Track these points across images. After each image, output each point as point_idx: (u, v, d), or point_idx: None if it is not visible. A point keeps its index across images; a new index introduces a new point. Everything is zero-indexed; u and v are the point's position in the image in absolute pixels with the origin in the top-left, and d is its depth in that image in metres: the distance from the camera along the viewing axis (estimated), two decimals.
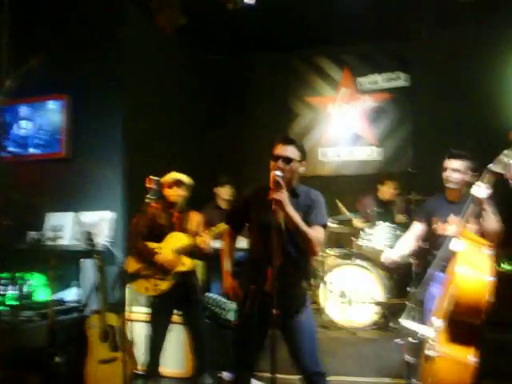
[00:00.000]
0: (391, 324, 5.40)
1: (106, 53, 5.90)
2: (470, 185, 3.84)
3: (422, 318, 3.87)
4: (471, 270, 3.42)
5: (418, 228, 4.21)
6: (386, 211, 6.22)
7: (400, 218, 6.31)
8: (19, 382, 3.61)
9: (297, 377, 3.54)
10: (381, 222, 5.86)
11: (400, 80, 7.76)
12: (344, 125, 8.01)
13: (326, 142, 8.09)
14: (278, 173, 3.17)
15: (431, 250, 4.09)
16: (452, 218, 3.98)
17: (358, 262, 5.80)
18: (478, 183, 3.55)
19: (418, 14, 6.44)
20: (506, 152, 3.41)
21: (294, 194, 3.39)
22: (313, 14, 6.77)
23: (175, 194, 4.70)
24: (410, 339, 3.94)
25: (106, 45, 5.87)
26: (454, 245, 3.60)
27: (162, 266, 4.54)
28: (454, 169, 3.97)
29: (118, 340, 4.58)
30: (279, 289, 3.02)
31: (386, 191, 6.41)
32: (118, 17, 6.00)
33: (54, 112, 6.21)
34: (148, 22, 6.17)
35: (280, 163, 3.31)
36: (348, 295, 5.65)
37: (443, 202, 4.12)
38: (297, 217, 3.19)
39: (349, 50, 8.02)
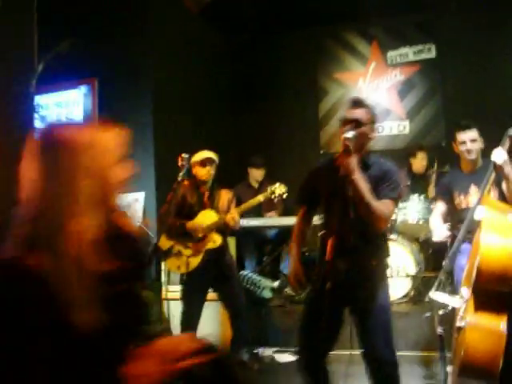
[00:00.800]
0: (425, 298, 5.37)
1: (133, 34, 5.95)
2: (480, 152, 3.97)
3: (453, 290, 3.87)
4: (496, 237, 3.33)
5: (442, 208, 4.22)
6: (418, 184, 6.15)
7: (433, 191, 6.23)
8: None
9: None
10: (414, 195, 5.80)
11: (430, 52, 7.63)
12: (373, 100, 7.91)
13: None
14: (349, 134, 2.86)
15: (457, 223, 4.07)
16: (473, 189, 3.98)
17: (391, 236, 5.76)
18: (497, 149, 3.54)
19: None
20: None
21: (364, 164, 3.05)
22: None
23: (206, 173, 4.72)
24: (440, 311, 3.94)
25: (132, 28, 5.93)
26: (477, 213, 3.56)
27: (193, 236, 4.58)
28: (473, 139, 3.97)
29: (155, 317, 4.66)
30: (347, 264, 2.94)
31: (419, 163, 6.34)
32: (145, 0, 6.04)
33: (84, 96, 6.31)
34: (174, 3, 6.19)
35: (350, 126, 2.97)
36: None
37: (461, 176, 4.15)
38: (364, 185, 2.87)
39: (376, 23, 7.92)
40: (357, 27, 8.03)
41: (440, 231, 4.11)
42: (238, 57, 8.03)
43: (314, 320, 2.90)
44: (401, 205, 5.82)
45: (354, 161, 2.84)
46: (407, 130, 7.79)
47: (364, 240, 3.05)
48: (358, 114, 3.02)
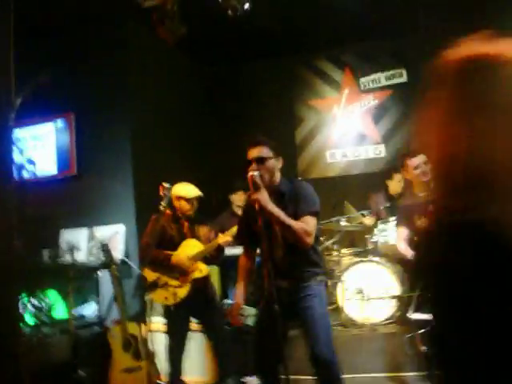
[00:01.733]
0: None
1: (111, 67, 5.98)
2: None
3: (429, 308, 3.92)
4: None
5: (404, 233, 4.41)
6: (395, 206, 6.20)
7: None
8: None
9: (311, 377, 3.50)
10: (393, 217, 5.85)
11: (402, 77, 7.78)
12: (349, 125, 8.04)
13: (332, 144, 8.11)
14: (255, 173, 3.23)
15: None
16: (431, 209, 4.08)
17: (374, 258, 5.79)
18: None
19: (413, 9, 6.48)
20: None
21: (278, 191, 3.44)
22: (309, 17, 6.81)
23: (190, 208, 4.70)
24: (420, 331, 4.00)
25: (110, 60, 5.95)
26: None
27: (179, 268, 4.55)
28: (424, 162, 4.16)
29: (140, 349, 4.60)
30: (286, 284, 3.31)
31: (395, 185, 6.41)
32: (121, 31, 6.07)
33: (61, 130, 6.29)
34: (150, 36, 6.24)
35: (254, 165, 3.34)
36: (365, 292, 5.64)
37: (415, 200, 4.33)
38: (279, 212, 3.23)
39: (348, 49, 8.07)
40: (329, 54, 8.16)
41: (405, 251, 4.29)
42: (213, 86, 8.10)
43: (266, 338, 3.28)
44: (381, 226, 5.88)
45: (263, 195, 3.19)
46: (383, 154, 7.90)
47: (295, 259, 3.40)
48: (259, 151, 3.38)
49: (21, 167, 6.23)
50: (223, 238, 4.54)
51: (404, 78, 7.80)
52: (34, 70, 4.62)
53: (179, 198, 4.66)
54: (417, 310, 4.06)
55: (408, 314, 4.19)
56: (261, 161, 3.35)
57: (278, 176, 3.48)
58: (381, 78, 7.92)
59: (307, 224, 3.29)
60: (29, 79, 4.43)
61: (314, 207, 3.39)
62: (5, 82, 4.17)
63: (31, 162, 6.32)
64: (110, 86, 6.01)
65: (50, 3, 5.60)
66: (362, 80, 8.00)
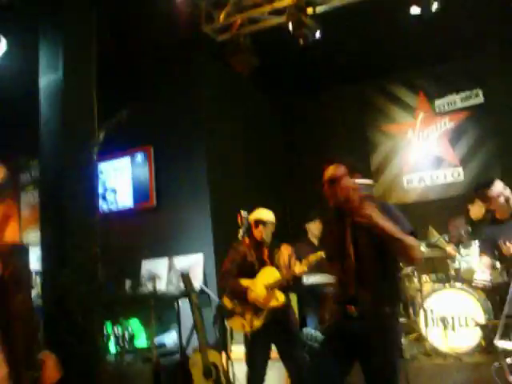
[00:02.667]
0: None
1: (187, 101, 6.17)
2: None
3: None
4: None
5: (487, 259, 4.38)
6: (478, 231, 6.00)
7: None
8: None
9: None
10: (475, 241, 5.66)
11: (478, 97, 7.60)
12: (425, 149, 7.89)
13: (409, 168, 7.98)
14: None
15: (509, 270, 4.10)
16: None
17: (457, 284, 5.60)
18: None
19: (485, 29, 6.35)
20: None
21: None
22: (380, 43, 6.80)
23: (257, 233, 4.69)
24: (508, 360, 3.82)
25: (185, 94, 6.15)
26: None
27: (255, 303, 4.55)
28: (504, 187, 4.25)
29: (221, 377, 4.61)
30: (358, 315, 3.01)
31: (477, 210, 6.20)
32: (196, 66, 6.27)
33: (140, 163, 6.51)
34: (223, 68, 6.40)
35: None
36: (449, 320, 5.45)
37: (499, 226, 4.34)
38: (390, 225, 2.94)
39: (421, 73, 7.97)
40: (401, 78, 8.10)
41: (479, 277, 4.17)
42: (288, 115, 8.17)
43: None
44: (463, 251, 5.70)
45: (374, 209, 2.96)
46: (462, 177, 7.69)
47: (375, 290, 3.06)
48: (330, 173, 3.21)
49: (104, 198, 6.48)
50: (300, 268, 4.50)
51: (480, 99, 7.62)
52: (115, 108, 4.81)
53: (257, 221, 4.68)
54: (503, 338, 3.88)
55: (495, 342, 4.01)
56: (332, 181, 3.20)
57: (356, 197, 3.24)
58: (456, 100, 7.77)
59: (412, 239, 3.03)
60: (110, 116, 4.62)
61: (410, 227, 3.12)
62: (89, 120, 4.42)
63: (114, 191, 6.56)
64: (187, 119, 6.20)
65: (127, 43, 5.87)
66: (437, 103, 7.87)
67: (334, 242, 3.26)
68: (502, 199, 4.17)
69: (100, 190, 6.44)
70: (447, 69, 7.82)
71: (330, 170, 3.25)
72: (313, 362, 3.43)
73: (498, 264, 4.39)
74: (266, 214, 4.72)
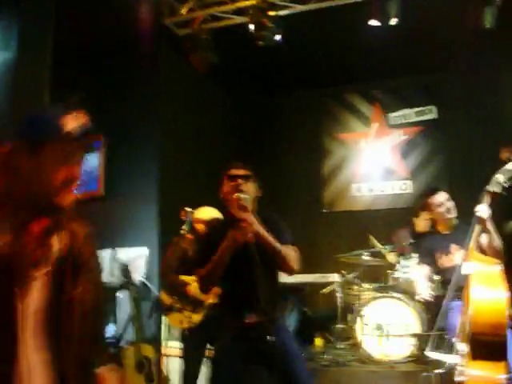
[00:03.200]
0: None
1: (142, 92, 6.12)
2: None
3: (448, 348, 3.86)
4: (486, 289, 3.44)
5: (426, 270, 4.31)
6: (420, 243, 6.13)
7: None
8: None
9: None
10: (417, 254, 5.77)
11: (432, 113, 7.78)
12: (376, 160, 8.03)
13: (358, 177, 8.11)
14: (242, 195, 2.97)
15: (444, 283, 4.17)
16: (453, 247, 4.14)
17: (395, 294, 5.72)
18: (480, 205, 3.71)
19: (445, 46, 6.50)
20: (498, 173, 3.65)
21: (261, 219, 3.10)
22: (340, 52, 6.89)
23: (203, 231, 4.72)
24: (437, 370, 3.92)
25: (141, 85, 6.09)
26: (465, 269, 3.66)
27: (194, 297, 4.56)
28: (447, 198, 4.19)
29: (153, 371, 4.60)
30: (260, 319, 2.95)
31: (422, 223, 6.32)
32: (154, 58, 6.21)
33: (91, 151, 6.42)
34: (181, 63, 6.37)
35: (240, 181, 3.10)
36: (385, 328, 5.56)
37: (438, 238, 4.32)
38: (267, 235, 2.94)
39: (379, 85, 8.12)
40: (359, 89, 8.23)
41: (422, 289, 4.22)
42: (242, 115, 8.18)
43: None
44: (404, 263, 5.82)
45: (251, 215, 2.91)
46: (410, 189, 7.85)
47: (272, 294, 3.04)
48: (242, 171, 3.18)
49: None
50: None
51: (434, 115, 7.79)
52: (68, 94, 4.73)
53: (198, 220, 4.69)
54: (434, 349, 3.99)
55: (425, 352, 4.12)
56: (246, 178, 3.14)
57: (255, 205, 3.17)
58: (411, 114, 7.93)
59: (293, 250, 3.06)
60: (62, 102, 4.54)
61: (291, 237, 3.15)
62: (40, 104, 4.34)
63: None
64: (140, 110, 6.14)
65: (85, 31, 5.78)
66: (392, 115, 8.01)
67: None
68: (442, 209, 4.18)
69: None
70: (404, 83, 8.00)
71: (241, 169, 3.20)
72: None
73: (434, 276, 4.48)
74: (208, 214, 4.71)
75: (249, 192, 3.07)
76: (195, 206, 4.79)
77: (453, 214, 4.20)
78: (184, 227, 4.43)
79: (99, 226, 5.83)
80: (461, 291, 3.80)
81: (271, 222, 3.12)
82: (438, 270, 4.34)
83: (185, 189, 6.22)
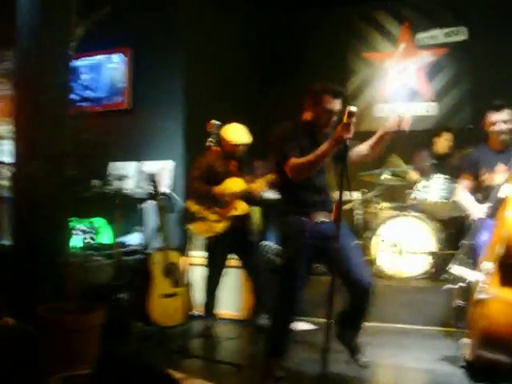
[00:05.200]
0: (443, 275, 5.43)
1: (167, 7, 6.07)
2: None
3: (471, 266, 3.97)
4: None
5: (467, 183, 4.30)
6: (442, 164, 6.17)
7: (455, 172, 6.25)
8: (89, 312, 3.88)
9: None
10: (436, 175, 5.84)
11: (460, 34, 7.61)
12: (401, 80, 7.95)
13: (382, 97, 8.06)
14: (354, 109, 3.14)
15: (481, 200, 4.16)
16: (500, 166, 4.07)
17: (413, 213, 5.84)
18: None
19: None
20: None
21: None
22: None
23: (237, 151, 4.81)
24: (460, 284, 4.05)
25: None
26: (504, 190, 3.67)
27: (220, 201, 4.71)
28: (504, 120, 4.07)
29: (179, 276, 4.84)
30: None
31: (442, 144, 6.35)
32: None
33: (117, 64, 6.47)
34: None
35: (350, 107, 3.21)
36: (401, 246, 5.71)
37: (489, 153, 4.22)
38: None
39: (408, 4, 7.90)
40: (388, 7, 8.02)
41: (478, 208, 4.17)
42: (269, 31, 8.06)
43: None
44: (424, 183, 5.88)
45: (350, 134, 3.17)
46: (434, 112, 7.81)
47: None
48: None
49: (78, 95, 6.45)
50: (258, 184, 4.65)
51: (463, 37, 7.62)
52: (96, 6, 4.74)
53: (227, 139, 4.77)
54: (459, 265, 4.09)
55: (450, 267, 4.22)
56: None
57: None
58: (439, 35, 7.77)
59: None
60: (90, 13, 4.56)
61: None
62: (68, 15, 4.37)
63: (89, 89, 6.53)
64: (168, 23, 6.11)
65: None
66: (420, 35, 7.85)
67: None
68: (496, 127, 4.09)
69: (75, 87, 6.40)
70: (435, 2, 7.78)
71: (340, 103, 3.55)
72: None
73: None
74: (237, 136, 4.79)
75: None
76: (221, 120, 4.86)
77: (503, 137, 4.09)
78: (211, 139, 4.52)
79: (125, 138, 6.01)
80: (496, 211, 3.82)
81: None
82: (477, 186, 4.32)
83: (211, 103, 6.25)
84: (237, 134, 4.79)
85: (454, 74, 7.72)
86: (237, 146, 4.77)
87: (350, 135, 3.14)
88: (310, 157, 3.34)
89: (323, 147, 3.28)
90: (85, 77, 6.65)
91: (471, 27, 7.55)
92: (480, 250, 3.97)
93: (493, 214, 3.86)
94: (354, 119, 3.13)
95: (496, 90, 6.84)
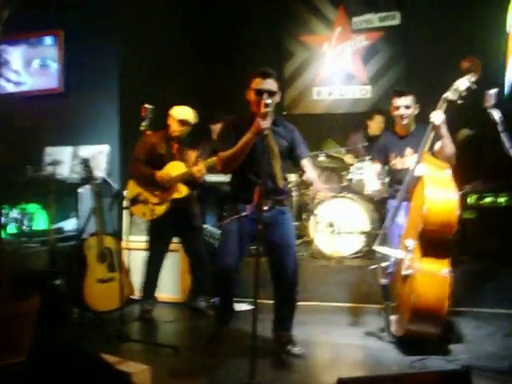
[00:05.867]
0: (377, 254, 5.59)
1: None
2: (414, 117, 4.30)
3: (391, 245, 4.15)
4: (439, 190, 3.73)
5: (377, 167, 4.49)
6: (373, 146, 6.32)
7: None
8: (22, 299, 3.84)
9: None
10: (369, 156, 5.97)
11: (395, 19, 7.78)
12: (338, 64, 8.08)
13: (319, 81, 8.16)
14: (268, 101, 3.44)
15: (393, 184, 4.36)
16: (408, 150, 4.30)
17: (347, 194, 5.98)
18: (435, 111, 3.90)
19: None
20: (457, 82, 3.87)
21: (276, 124, 3.73)
22: None
23: (181, 131, 4.83)
24: (382, 264, 4.24)
25: None
26: (418, 170, 3.87)
27: (161, 185, 4.72)
28: (406, 105, 4.25)
29: (115, 261, 4.82)
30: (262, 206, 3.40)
31: (375, 126, 6.53)
32: None
33: (50, 47, 6.31)
34: None
35: (265, 96, 3.53)
36: (336, 226, 5.85)
37: (395, 139, 4.43)
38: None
39: None
40: None
41: (372, 184, 4.41)
42: (207, 13, 7.99)
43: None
44: (358, 165, 6.03)
45: (268, 125, 3.45)
46: (369, 95, 7.98)
47: (275, 186, 3.74)
48: (271, 84, 3.64)
49: (8, 80, 6.28)
50: (198, 168, 4.69)
51: (397, 21, 7.80)
52: None
53: (173, 118, 4.81)
54: (381, 245, 4.27)
55: (373, 247, 4.41)
56: (271, 94, 3.58)
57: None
58: (374, 19, 7.91)
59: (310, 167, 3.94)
60: None
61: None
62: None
63: (19, 73, 6.37)
64: (103, 4, 5.99)
65: None
66: (355, 20, 7.98)
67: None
68: (398, 112, 4.25)
69: (4, 72, 6.25)
70: None
71: (271, 82, 3.63)
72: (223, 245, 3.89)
73: (385, 178, 4.63)
74: (181, 113, 4.82)
75: (272, 104, 3.52)
76: (157, 104, 4.84)
77: (404, 122, 4.26)
78: (144, 124, 4.51)
79: (59, 122, 5.92)
80: (409, 193, 4.04)
81: (291, 133, 3.85)
82: (388, 170, 4.53)
83: (146, 86, 6.18)
84: (182, 111, 4.83)
85: (389, 58, 7.91)
86: (183, 123, 4.79)
87: (267, 125, 3.41)
88: (233, 150, 3.62)
89: (244, 138, 3.55)
90: (16, 60, 6.46)
91: (405, 12, 7.73)
92: (398, 229, 4.16)
93: (406, 196, 4.06)
94: (269, 109, 3.42)
95: (429, 73, 7.05)
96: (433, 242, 3.70)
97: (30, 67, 6.43)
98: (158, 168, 4.78)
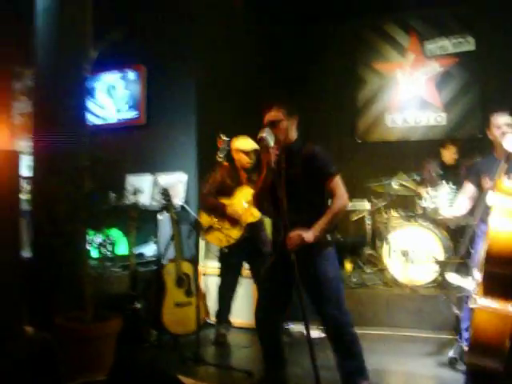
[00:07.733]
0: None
1: (180, 24, 6.26)
2: None
3: (466, 274, 3.96)
4: (504, 221, 3.48)
5: (468, 188, 4.26)
6: (449, 174, 6.26)
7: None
8: (105, 321, 4.04)
9: None
10: (444, 184, 5.92)
11: (468, 44, 7.71)
12: (411, 90, 8.06)
13: (393, 108, 8.17)
14: (263, 135, 3.31)
15: (487, 208, 4.19)
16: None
17: (422, 222, 5.93)
18: (510, 136, 3.68)
19: None
20: None
21: (290, 149, 3.50)
22: None
23: (248, 161, 4.96)
24: (458, 294, 4.12)
25: (179, 19, 6.24)
26: (487, 199, 3.70)
27: (233, 217, 4.86)
28: (508, 124, 4.02)
29: (192, 286, 4.99)
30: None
31: (448, 155, 6.46)
32: None
33: (132, 82, 6.69)
34: None
35: (264, 128, 3.40)
36: (410, 254, 5.81)
37: (493, 161, 4.12)
38: (321, 224, 3.32)
39: (416, 14, 8.03)
40: (396, 18, 8.16)
41: (445, 211, 4.20)
42: (279, 45, 8.17)
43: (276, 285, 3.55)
44: (432, 193, 5.96)
45: (271, 156, 3.29)
46: (444, 122, 7.90)
47: (307, 220, 3.37)
48: (271, 115, 3.50)
49: (94, 114, 6.67)
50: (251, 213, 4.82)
51: (471, 46, 7.72)
52: (110, 27, 4.94)
53: (238, 151, 4.94)
54: (454, 274, 4.17)
55: (446, 276, 4.30)
56: (273, 124, 3.45)
57: (293, 135, 3.58)
58: (448, 45, 7.87)
59: (337, 185, 3.41)
60: (104, 35, 4.76)
61: (333, 167, 3.45)
62: (84, 36, 4.57)
63: (103, 108, 6.74)
64: (178, 40, 6.29)
65: None
66: (429, 46, 7.97)
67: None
68: (498, 131, 4.02)
69: (91, 105, 6.63)
70: (442, 13, 7.88)
71: (272, 113, 3.51)
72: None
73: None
74: (247, 144, 4.94)
75: (278, 132, 3.42)
76: (233, 135, 5.02)
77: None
78: (221, 155, 4.68)
79: (141, 152, 6.20)
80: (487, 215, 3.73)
81: (313, 160, 3.44)
82: (480, 193, 4.27)
83: (222, 117, 6.39)
84: (246, 142, 4.96)
85: (463, 84, 7.83)
86: (247, 153, 4.92)
87: (274, 159, 3.32)
88: (256, 188, 3.62)
89: (260, 178, 3.52)
90: (101, 95, 6.87)
91: (479, 37, 7.66)
92: (475, 257, 3.99)
93: (484, 218, 3.84)
94: (265, 142, 3.31)
95: (505, 99, 6.92)
96: (495, 278, 3.49)
97: (115, 101, 6.82)
98: (228, 196, 4.93)
